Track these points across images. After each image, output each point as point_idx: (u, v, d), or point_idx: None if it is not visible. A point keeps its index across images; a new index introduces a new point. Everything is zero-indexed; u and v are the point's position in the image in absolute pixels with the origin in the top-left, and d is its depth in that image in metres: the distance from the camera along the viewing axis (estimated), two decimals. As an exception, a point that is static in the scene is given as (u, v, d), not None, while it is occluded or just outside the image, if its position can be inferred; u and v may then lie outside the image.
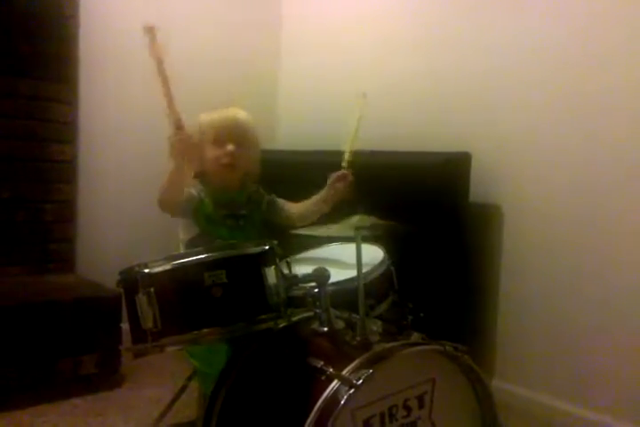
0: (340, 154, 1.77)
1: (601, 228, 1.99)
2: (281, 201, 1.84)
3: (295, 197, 1.86)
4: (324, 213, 1.80)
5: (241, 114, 1.74)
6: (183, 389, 1.77)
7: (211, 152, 1.67)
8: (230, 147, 1.67)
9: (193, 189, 1.68)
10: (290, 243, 1.57)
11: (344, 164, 1.77)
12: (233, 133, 1.68)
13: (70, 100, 2.56)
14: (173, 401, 1.76)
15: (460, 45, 2.38)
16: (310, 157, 2.56)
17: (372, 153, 2.40)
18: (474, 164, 2.20)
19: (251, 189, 1.78)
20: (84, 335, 2.16)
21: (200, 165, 1.70)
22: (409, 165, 2.20)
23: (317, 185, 1.80)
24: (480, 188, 2.22)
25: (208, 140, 1.68)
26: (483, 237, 2.27)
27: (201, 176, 1.72)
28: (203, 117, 1.73)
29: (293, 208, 1.85)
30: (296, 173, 2.35)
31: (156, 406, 1.93)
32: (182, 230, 1.71)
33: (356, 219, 1.43)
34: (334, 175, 1.77)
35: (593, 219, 2.01)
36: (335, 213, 1.42)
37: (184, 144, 1.51)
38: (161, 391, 2.08)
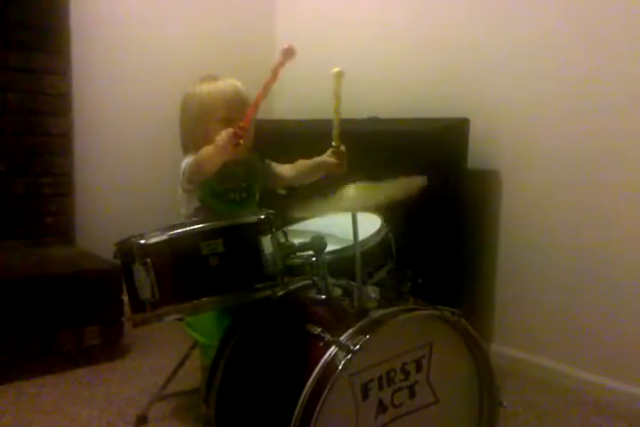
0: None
1: (599, 192, 1.98)
2: (274, 165, 1.80)
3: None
4: (313, 180, 1.78)
5: (241, 86, 1.66)
6: (186, 357, 1.80)
7: (218, 130, 1.54)
8: (242, 124, 1.56)
9: None
10: (286, 212, 1.56)
11: (334, 143, 1.72)
12: (241, 110, 1.59)
13: (63, 72, 2.50)
14: (177, 369, 1.79)
15: (458, 13, 2.33)
16: (306, 126, 2.54)
17: (370, 120, 2.39)
18: (472, 129, 2.18)
19: (246, 160, 1.74)
20: (86, 307, 2.17)
21: (204, 142, 1.59)
22: (407, 131, 2.18)
23: (313, 154, 1.79)
24: (478, 154, 2.21)
25: (214, 117, 1.61)
26: (481, 202, 2.26)
27: None
28: (196, 90, 1.65)
29: (285, 170, 1.80)
30: (293, 142, 2.33)
31: (160, 374, 1.96)
32: (182, 204, 1.67)
33: (351, 190, 1.40)
34: (330, 152, 1.73)
35: (591, 183, 2.00)
36: (329, 186, 1.41)
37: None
38: (164, 361, 2.11)
